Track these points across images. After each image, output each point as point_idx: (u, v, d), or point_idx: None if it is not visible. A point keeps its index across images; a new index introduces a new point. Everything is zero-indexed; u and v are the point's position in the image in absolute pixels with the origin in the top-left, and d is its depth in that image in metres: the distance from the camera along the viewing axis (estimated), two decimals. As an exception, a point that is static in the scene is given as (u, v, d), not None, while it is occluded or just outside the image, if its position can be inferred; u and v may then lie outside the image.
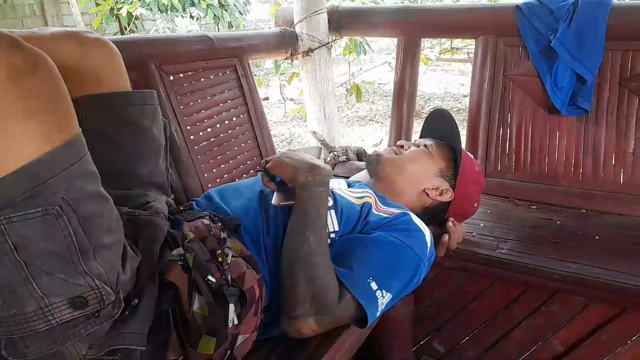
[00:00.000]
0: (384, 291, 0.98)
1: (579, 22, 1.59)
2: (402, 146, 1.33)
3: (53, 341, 0.73)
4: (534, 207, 1.69)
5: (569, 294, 1.35)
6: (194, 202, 1.15)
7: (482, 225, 1.56)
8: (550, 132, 1.73)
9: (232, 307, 0.85)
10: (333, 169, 2.02)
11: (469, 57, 5.45)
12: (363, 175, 1.41)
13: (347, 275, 0.97)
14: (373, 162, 1.31)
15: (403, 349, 1.57)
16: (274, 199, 1.04)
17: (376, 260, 1.00)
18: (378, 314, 0.98)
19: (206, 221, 0.98)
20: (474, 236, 1.49)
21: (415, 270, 1.04)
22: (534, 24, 1.66)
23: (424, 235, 1.09)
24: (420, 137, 1.46)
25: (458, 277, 1.51)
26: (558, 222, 1.57)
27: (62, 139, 0.70)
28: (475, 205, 1.38)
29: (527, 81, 1.73)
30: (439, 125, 1.39)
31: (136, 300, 0.82)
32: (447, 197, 1.28)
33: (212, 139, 1.60)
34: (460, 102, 5.32)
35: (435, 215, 1.30)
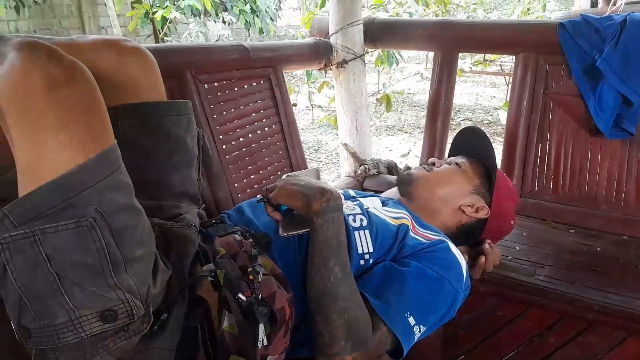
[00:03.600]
0: (421, 326, 0.96)
1: (627, 43, 1.54)
2: (433, 164, 1.30)
3: (82, 353, 0.72)
4: (572, 231, 1.63)
5: (607, 325, 1.29)
6: (226, 215, 1.14)
7: (517, 248, 1.51)
8: (592, 153, 1.67)
9: (262, 327, 0.83)
10: (363, 182, 1.99)
11: (502, 70, 5.36)
12: (395, 192, 1.37)
13: (384, 309, 0.94)
14: (405, 182, 1.27)
15: (430, 371, 1.53)
16: (281, 229, 0.96)
17: (414, 295, 0.97)
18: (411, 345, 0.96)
19: (238, 237, 0.97)
20: (510, 260, 1.44)
21: (451, 304, 1.01)
22: (578, 42, 1.61)
23: (461, 267, 1.05)
24: (450, 155, 1.42)
25: (490, 301, 1.46)
26: (598, 249, 1.51)
27: (96, 149, 0.70)
28: (512, 222, 1.34)
29: (569, 101, 1.68)
30: (470, 142, 1.35)
31: (165, 315, 0.81)
32: (483, 214, 1.24)
33: (243, 149, 1.60)
34: (492, 115, 5.24)
35: (472, 234, 1.27)
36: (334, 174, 3.98)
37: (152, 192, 0.98)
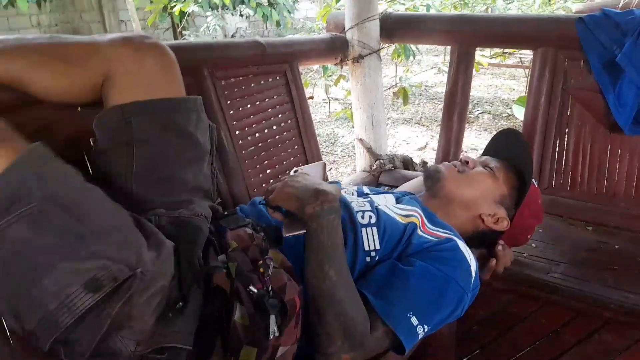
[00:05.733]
0: (424, 326, 0.95)
1: (648, 37, 1.51)
2: (467, 162, 1.23)
3: (92, 331, 0.74)
4: (590, 228, 1.62)
5: (624, 324, 1.28)
6: (239, 208, 1.15)
7: (534, 245, 1.50)
8: (611, 150, 1.65)
9: (273, 318, 0.84)
10: (379, 177, 2.00)
11: (521, 62, 5.29)
12: (413, 185, 1.37)
13: (385, 309, 0.94)
14: (432, 178, 1.22)
15: (444, 366, 1.53)
16: (284, 230, 0.95)
17: (418, 294, 0.96)
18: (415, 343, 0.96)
19: (249, 230, 0.98)
20: (525, 257, 1.43)
21: (457, 304, 1.00)
22: (598, 37, 1.58)
23: (470, 266, 1.03)
24: (485, 153, 1.36)
25: (505, 298, 1.46)
26: (616, 247, 1.49)
27: (23, 149, 0.75)
28: (529, 237, 1.31)
29: (588, 96, 1.65)
30: (509, 146, 1.29)
31: (181, 304, 0.82)
32: (502, 227, 1.20)
33: (259, 144, 1.60)
34: (510, 108, 5.17)
35: (485, 241, 1.24)
36: (350, 167, 3.98)
37: (166, 188, 0.99)
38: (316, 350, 0.92)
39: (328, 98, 5.41)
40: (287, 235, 0.94)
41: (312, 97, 5.97)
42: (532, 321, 1.43)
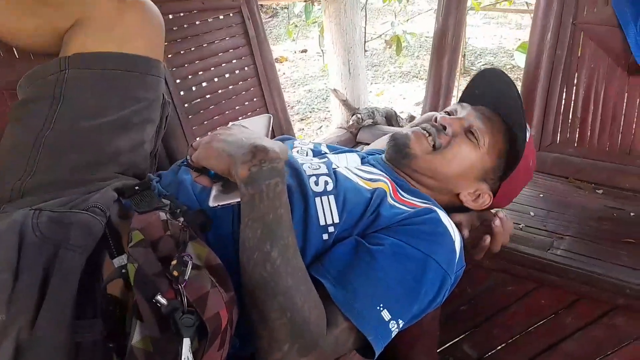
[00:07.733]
0: (399, 320, 0.77)
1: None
2: (444, 128, 0.98)
3: None
4: (600, 191, 1.45)
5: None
6: (157, 177, 0.92)
7: (532, 214, 1.31)
8: (629, 97, 1.47)
9: (186, 342, 0.61)
10: (357, 134, 1.76)
11: (529, 8, 4.95)
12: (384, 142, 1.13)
13: (348, 302, 0.75)
14: (401, 151, 0.99)
15: (426, 351, 1.37)
16: (212, 199, 0.78)
17: (390, 281, 0.78)
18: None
19: (163, 215, 0.74)
20: (521, 229, 1.25)
21: (439, 289, 0.82)
22: (618, -41, 1.35)
23: (453, 242, 0.84)
24: (464, 97, 1.10)
25: (497, 277, 1.28)
26: (632, 214, 1.32)
27: None
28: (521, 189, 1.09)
29: (604, 32, 1.46)
30: (494, 90, 1.03)
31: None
32: (481, 205, 1.00)
33: (207, 96, 1.42)
34: (515, 59, 4.89)
35: (463, 211, 1.03)
36: (341, 125, 3.75)
37: (85, 159, 0.87)
38: (258, 356, 0.74)
39: (321, 50, 5.11)
40: (215, 205, 0.77)
41: (305, 51, 5.69)
42: (529, 301, 1.26)
